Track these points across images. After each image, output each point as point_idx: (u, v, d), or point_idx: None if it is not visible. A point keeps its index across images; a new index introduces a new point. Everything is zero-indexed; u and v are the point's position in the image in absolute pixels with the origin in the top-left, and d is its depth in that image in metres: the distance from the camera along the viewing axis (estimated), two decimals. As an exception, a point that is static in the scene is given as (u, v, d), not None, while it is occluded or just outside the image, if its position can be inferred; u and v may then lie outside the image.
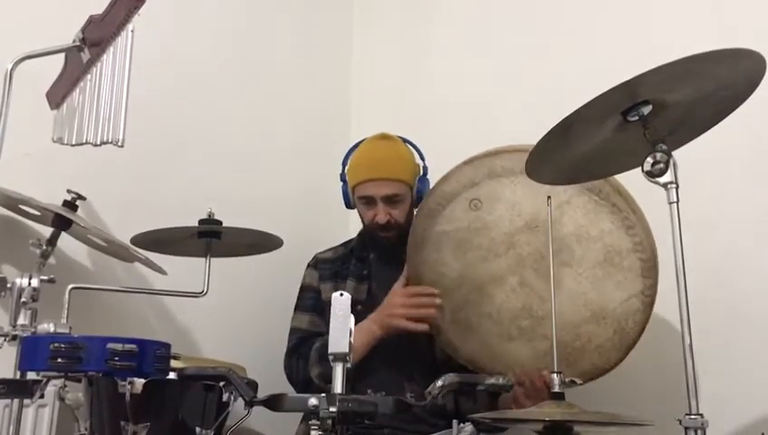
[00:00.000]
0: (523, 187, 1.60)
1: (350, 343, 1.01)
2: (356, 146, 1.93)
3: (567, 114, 1.17)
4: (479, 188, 1.65)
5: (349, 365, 1.02)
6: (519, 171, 1.59)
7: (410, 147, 1.92)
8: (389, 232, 1.82)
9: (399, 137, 1.91)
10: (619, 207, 1.57)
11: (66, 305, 1.49)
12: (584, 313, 1.57)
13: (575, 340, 1.56)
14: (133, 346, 1.07)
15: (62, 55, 1.35)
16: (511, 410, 1.55)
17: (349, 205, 1.93)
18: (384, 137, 1.90)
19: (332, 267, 1.93)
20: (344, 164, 1.93)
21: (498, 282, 1.63)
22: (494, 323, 1.63)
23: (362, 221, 1.91)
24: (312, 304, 1.89)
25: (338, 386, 1.00)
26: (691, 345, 1.07)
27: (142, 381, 1.09)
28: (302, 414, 1.54)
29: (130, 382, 1.09)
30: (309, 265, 1.97)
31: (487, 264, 1.64)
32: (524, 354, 1.60)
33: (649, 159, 1.13)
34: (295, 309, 1.92)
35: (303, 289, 1.94)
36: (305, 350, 1.79)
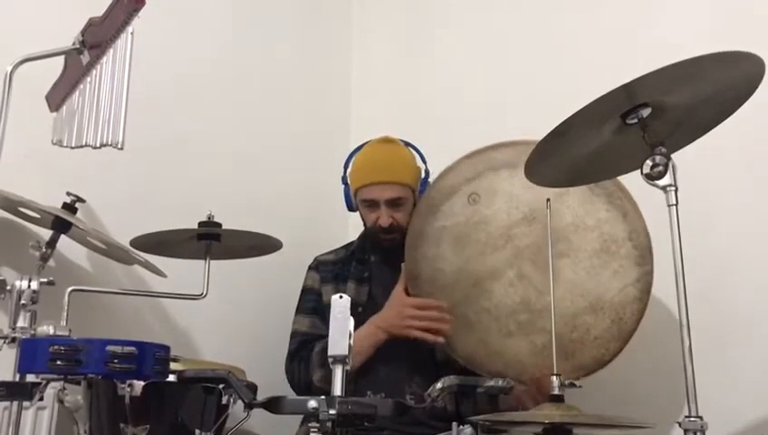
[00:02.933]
0: (521, 179, 1.59)
1: (349, 345, 1.01)
2: (358, 149, 1.94)
3: (566, 116, 1.17)
4: (478, 183, 1.65)
5: (348, 368, 1.02)
6: (517, 164, 1.60)
7: (412, 150, 1.92)
8: (392, 235, 1.82)
9: (401, 140, 1.92)
10: (615, 195, 1.57)
11: (66, 308, 1.48)
12: (581, 303, 1.57)
13: (573, 331, 1.56)
14: (133, 348, 1.07)
15: (62, 58, 1.35)
16: (511, 411, 1.55)
17: (350, 208, 1.93)
18: (387, 140, 1.90)
19: (333, 269, 1.93)
20: (346, 167, 1.94)
21: (496, 276, 1.63)
22: (493, 318, 1.63)
23: (364, 224, 1.92)
24: (313, 306, 1.89)
25: (337, 388, 1.00)
26: (690, 348, 1.07)
27: (142, 383, 1.09)
28: (301, 416, 1.54)
29: (130, 385, 1.09)
30: (310, 268, 1.97)
31: (485, 258, 1.64)
32: (523, 350, 1.60)
33: (648, 162, 1.13)
34: (296, 312, 1.92)
35: (304, 291, 1.94)
36: (306, 353, 1.79)
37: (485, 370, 1.64)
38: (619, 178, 1.52)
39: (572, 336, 1.56)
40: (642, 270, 1.55)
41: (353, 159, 1.92)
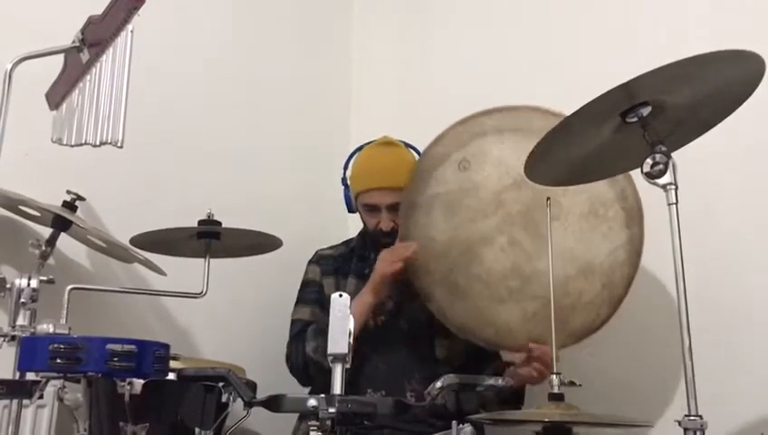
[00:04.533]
0: (510, 144, 1.59)
1: (349, 343, 1.01)
2: (358, 150, 1.93)
3: (567, 115, 1.17)
4: (467, 148, 1.64)
5: (348, 366, 1.02)
6: (506, 129, 1.60)
7: (412, 151, 1.92)
8: (393, 238, 1.82)
9: (402, 141, 1.91)
10: None
11: (65, 306, 1.48)
12: (572, 268, 1.56)
13: (565, 297, 1.55)
14: (132, 347, 1.07)
15: (62, 56, 1.35)
16: (512, 411, 1.55)
17: (351, 209, 1.93)
18: (387, 143, 1.90)
19: (334, 263, 1.94)
20: (345, 168, 1.93)
21: (487, 242, 1.62)
22: (484, 285, 1.62)
23: (365, 225, 1.92)
24: (314, 297, 1.89)
25: (337, 387, 1.00)
26: (690, 347, 1.07)
27: (141, 381, 1.09)
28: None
29: (130, 383, 1.09)
30: (311, 261, 1.97)
31: (476, 224, 1.63)
32: (514, 317, 1.60)
33: (649, 161, 1.13)
34: (296, 303, 1.92)
35: (305, 284, 1.94)
36: (304, 335, 1.80)
37: (477, 337, 1.64)
38: (619, 176, 1.52)
39: (565, 302, 1.54)
40: (630, 232, 1.54)
41: (353, 161, 1.92)
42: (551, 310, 1.31)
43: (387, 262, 1.71)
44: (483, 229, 1.62)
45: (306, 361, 1.75)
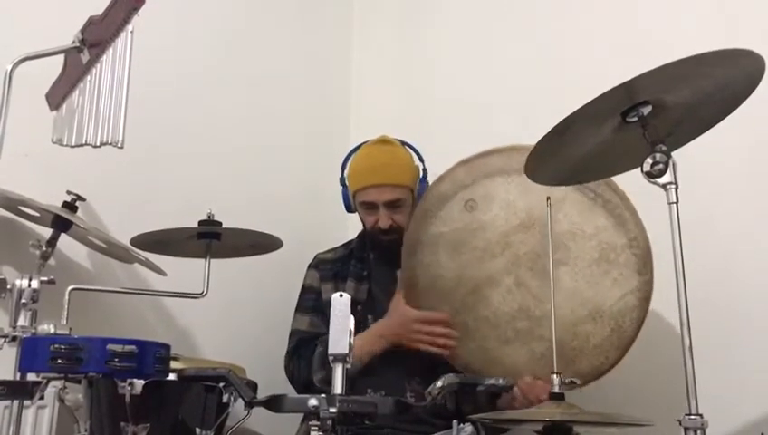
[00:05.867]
0: (518, 185, 1.59)
1: (349, 343, 1.01)
2: (355, 150, 1.93)
3: (567, 115, 1.17)
4: (474, 189, 1.65)
5: (348, 366, 1.02)
6: (513, 170, 1.60)
7: (409, 149, 1.92)
8: (391, 236, 1.82)
9: (398, 140, 1.91)
10: (613, 203, 1.57)
11: (66, 306, 1.48)
12: (581, 312, 1.56)
13: (573, 339, 1.56)
14: (133, 347, 1.07)
15: (62, 56, 1.35)
16: (510, 410, 1.56)
17: (349, 209, 1.93)
18: (384, 141, 1.90)
19: (333, 268, 1.94)
20: (343, 168, 1.93)
21: (494, 283, 1.62)
22: (491, 326, 1.62)
23: (363, 224, 1.92)
24: (312, 305, 1.89)
25: (338, 387, 1.00)
26: (691, 346, 1.07)
27: (142, 382, 1.10)
28: (302, 415, 1.54)
29: (130, 383, 1.09)
30: (310, 266, 1.97)
31: (483, 265, 1.63)
32: (521, 358, 1.60)
33: (649, 160, 1.13)
34: (296, 310, 1.92)
35: (304, 290, 1.94)
36: (305, 351, 1.80)
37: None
38: (619, 176, 1.51)
39: (572, 344, 1.55)
40: (642, 279, 1.54)
41: (350, 160, 1.92)
42: (551, 308, 1.31)
43: (423, 339, 1.67)
44: (490, 270, 1.62)
45: (309, 383, 1.75)
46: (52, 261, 1.59)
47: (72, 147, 1.28)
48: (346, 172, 1.92)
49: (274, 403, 1.05)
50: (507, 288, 1.62)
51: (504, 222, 1.63)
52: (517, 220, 1.62)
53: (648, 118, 1.17)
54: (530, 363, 1.58)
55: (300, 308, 1.92)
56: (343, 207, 1.94)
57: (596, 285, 1.56)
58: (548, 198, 1.41)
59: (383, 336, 1.73)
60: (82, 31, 1.28)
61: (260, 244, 1.72)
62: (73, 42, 1.29)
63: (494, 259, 1.63)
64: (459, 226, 1.65)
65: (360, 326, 1.72)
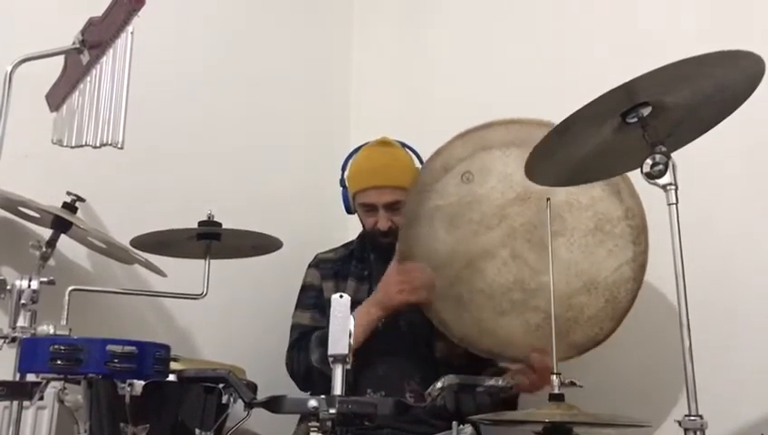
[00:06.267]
0: (516, 158, 1.58)
1: (349, 344, 1.01)
2: (355, 151, 1.94)
3: (567, 115, 1.17)
4: (471, 161, 1.64)
5: (348, 367, 1.02)
6: (511, 143, 1.59)
7: (410, 151, 1.92)
8: (391, 237, 1.82)
9: (398, 141, 1.91)
10: None
11: (66, 307, 1.48)
12: (576, 283, 1.56)
13: (567, 311, 1.55)
14: (133, 348, 1.07)
15: (62, 57, 1.35)
16: (512, 411, 1.56)
17: (349, 210, 1.93)
18: (384, 143, 1.90)
19: (333, 267, 1.94)
20: (343, 169, 1.94)
21: (490, 255, 1.61)
22: (486, 297, 1.61)
23: (363, 226, 1.92)
24: (313, 302, 1.90)
25: (337, 388, 1.00)
26: (690, 347, 1.07)
27: (142, 382, 1.09)
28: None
29: (130, 384, 1.09)
30: (310, 265, 1.97)
31: (479, 237, 1.62)
32: (516, 329, 1.59)
33: (648, 161, 1.12)
34: (296, 307, 1.92)
35: (305, 288, 1.94)
36: (305, 342, 1.80)
37: (479, 348, 1.64)
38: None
39: (567, 316, 1.54)
40: (637, 249, 1.54)
41: (350, 162, 1.92)
42: (551, 310, 1.31)
43: (405, 288, 1.68)
44: (486, 242, 1.61)
45: (309, 369, 1.75)
46: (51, 262, 1.59)
47: (71, 148, 1.28)
48: (346, 174, 1.93)
49: (274, 404, 1.05)
50: (503, 260, 1.60)
51: (500, 195, 1.62)
52: (513, 193, 1.61)
53: (648, 119, 1.17)
54: (525, 335, 1.58)
55: (300, 305, 1.92)
56: (343, 208, 1.94)
57: (591, 256, 1.55)
58: (548, 199, 1.41)
59: (372, 304, 1.72)
60: (83, 32, 1.28)
61: (260, 244, 1.72)
62: (73, 43, 1.29)
63: (490, 232, 1.61)
64: (455, 199, 1.64)
65: (360, 326, 1.71)
